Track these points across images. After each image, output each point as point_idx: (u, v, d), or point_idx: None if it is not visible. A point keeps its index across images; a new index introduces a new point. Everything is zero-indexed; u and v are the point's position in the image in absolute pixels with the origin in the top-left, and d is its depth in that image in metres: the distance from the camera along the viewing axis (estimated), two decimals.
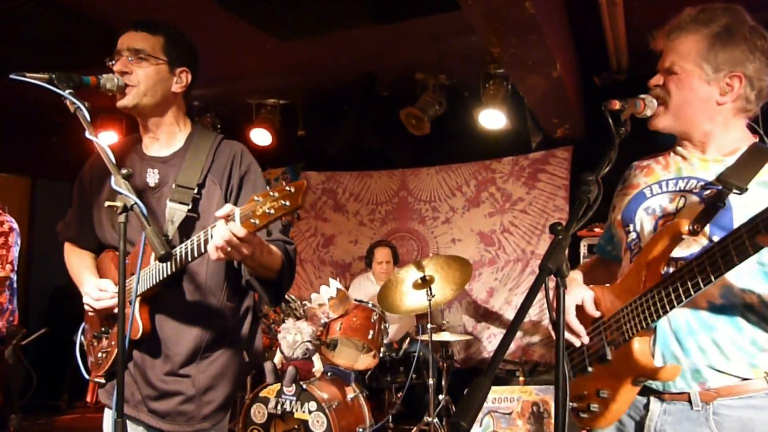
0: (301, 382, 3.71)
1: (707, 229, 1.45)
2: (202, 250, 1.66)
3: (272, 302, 1.96)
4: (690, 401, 1.48)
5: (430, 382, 4.07)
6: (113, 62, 1.84)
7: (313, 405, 3.65)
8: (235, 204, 1.81)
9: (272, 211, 1.46)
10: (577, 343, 1.63)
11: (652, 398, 1.55)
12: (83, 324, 2.07)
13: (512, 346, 5.28)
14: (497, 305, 5.53)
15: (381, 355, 4.09)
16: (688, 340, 1.48)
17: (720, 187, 1.45)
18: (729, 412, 1.45)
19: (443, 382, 4.42)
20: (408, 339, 4.69)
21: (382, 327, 4.10)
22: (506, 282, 5.51)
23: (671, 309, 1.43)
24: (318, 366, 4.01)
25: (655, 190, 1.63)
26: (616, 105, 1.47)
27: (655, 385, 1.53)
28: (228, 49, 4.56)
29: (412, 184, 6.10)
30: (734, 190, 1.42)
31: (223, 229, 1.53)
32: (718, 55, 1.51)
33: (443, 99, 5.04)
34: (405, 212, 6.09)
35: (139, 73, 1.83)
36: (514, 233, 5.55)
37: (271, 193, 1.47)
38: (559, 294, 1.20)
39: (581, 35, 4.37)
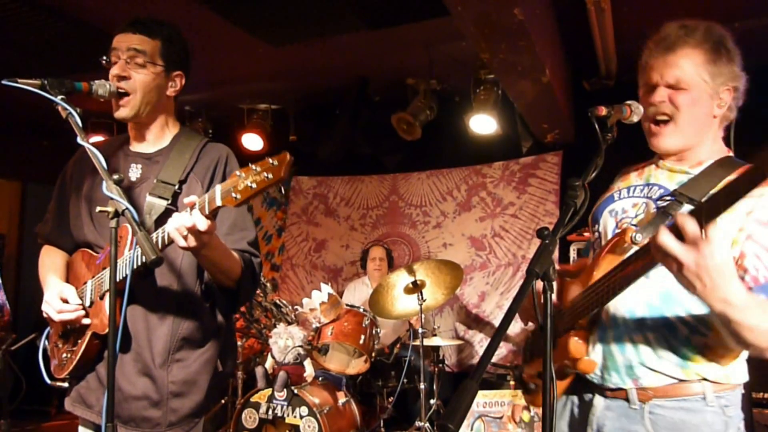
0: (293, 387, 3.71)
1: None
2: (168, 241, 1.63)
3: (227, 310, 1.93)
4: (628, 399, 1.54)
5: (422, 386, 4.08)
6: (107, 61, 1.83)
7: (304, 410, 3.65)
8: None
9: (254, 185, 1.44)
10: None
11: (596, 394, 1.60)
12: (48, 328, 2.00)
13: (503, 351, 5.29)
14: (488, 309, 5.55)
15: (372, 359, 4.09)
16: (623, 336, 1.54)
17: (674, 198, 1.50)
18: (663, 413, 1.50)
19: (435, 387, 4.42)
20: (399, 344, 4.69)
21: (374, 332, 4.10)
22: (497, 286, 5.53)
23: (603, 305, 1.47)
24: (309, 371, 4.01)
25: (623, 194, 1.69)
26: (603, 111, 1.49)
27: (596, 380, 1.58)
28: (220, 54, 4.57)
29: (403, 189, 6.11)
30: (686, 203, 1.47)
31: (182, 216, 1.53)
32: (719, 68, 1.54)
33: (434, 104, 5.07)
34: (396, 217, 6.10)
35: (137, 78, 1.82)
36: (504, 238, 5.58)
37: (253, 168, 1.45)
38: (545, 298, 1.21)
39: (570, 41, 4.41)
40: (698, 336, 1.48)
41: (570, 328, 1.56)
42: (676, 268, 1.23)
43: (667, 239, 1.21)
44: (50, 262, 2.01)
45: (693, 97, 1.54)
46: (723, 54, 1.55)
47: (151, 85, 1.85)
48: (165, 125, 1.97)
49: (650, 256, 1.31)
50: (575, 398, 1.66)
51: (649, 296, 1.52)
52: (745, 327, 1.27)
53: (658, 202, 1.57)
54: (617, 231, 1.59)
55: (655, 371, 1.51)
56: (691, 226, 1.18)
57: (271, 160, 1.43)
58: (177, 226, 1.55)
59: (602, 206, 1.72)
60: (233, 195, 1.46)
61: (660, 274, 1.45)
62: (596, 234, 1.71)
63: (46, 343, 2.00)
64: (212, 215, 1.56)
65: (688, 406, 1.49)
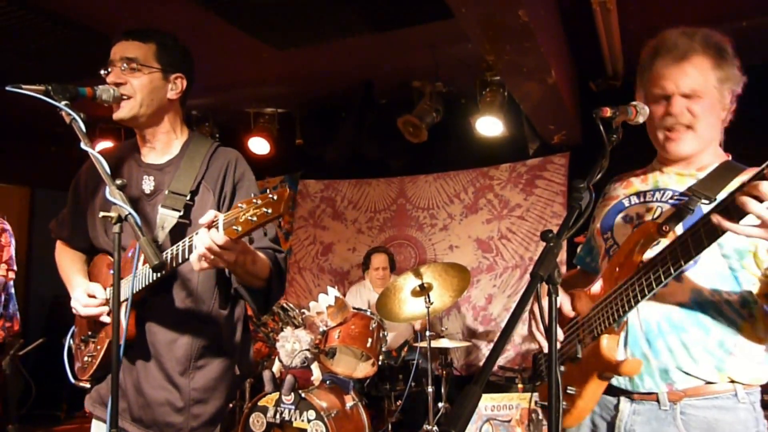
0: (300, 391, 3.71)
1: (677, 230, 1.48)
2: (186, 257, 1.65)
3: (260, 311, 1.95)
4: (658, 401, 1.52)
5: (429, 390, 4.06)
6: (107, 72, 1.85)
7: (312, 414, 3.64)
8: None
9: (254, 218, 1.47)
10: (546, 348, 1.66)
11: (622, 398, 1.58)
12: (73, 327, 2.06)
13: (511, 353, 5.28)
14: (496, 312, 5.53)
15: (380, 363, 4.08)
16: (657, 340, 1.52)
17: (689, 197, 1.52)
18: (695, 412, 1.49)
19: (442, 390, 4.41)
20: (407, 347, 4.68)
21: (381, 335, 4.09)
22: (504, 288, 5.52)
23: (636, 303, 1.46)
24: (317, 374, 4.01)
25: (633, 200, 1.69)
26: (608, 112, 1.48)
27: (624, 385, 1.56)
28: (226, 58, 4.58)
29: (410, 192, 6.11)
30: (702, 199, 1.49)
31: (204, 237, 1.53)
32: (725, 73, 1.55)
33: (440, 106, 5.06)
34: (403, 219, 6.10)
35: (134, 83, 1.83)
36: (512, 240, 5.56)
37: (254, 201, 1.48)
38: (551, 300, 1.21)
39: (576, 42, 4.40)
40: (730, 336, 1.49)
41: (596, 336, 1.54)
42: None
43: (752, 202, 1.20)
44: (71, 263, 2.06)
45: (708, 104, 1.55)
46: (727, 58, 1.57)
47: (148, 87, 1.85)
48: (172, 131, 1.97)
49: (686, 255, 1.32)
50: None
51: (681, 297, 1.51)
52: None
53: (670, 201, 1.59)
54: (640, 226, 1.57)
55: (690, 375, 1.49)
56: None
57: (270, 195, 1.47)
58: (201, 252, 1.56)
59: (611, 213, 1.71)
60: (234, 227, 1.49)
61: (690, 275, 1.48)
62: (610, 241, 1.69)
63: (71, 342, 2.05)
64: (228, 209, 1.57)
65: (721, 404, 1.48)
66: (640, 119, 1.58)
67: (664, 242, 1.47)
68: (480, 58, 4.21)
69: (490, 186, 5.74)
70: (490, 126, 4.88)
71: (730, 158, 1.63)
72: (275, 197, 1.46)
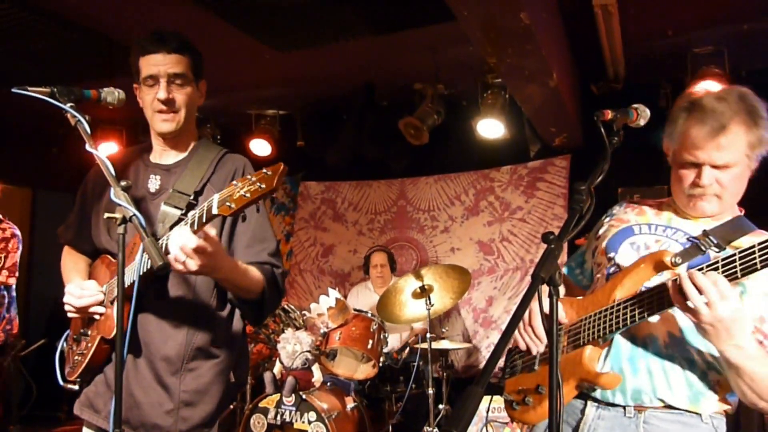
0: (301, 393, 3.71)
1: (684, 267, 1.49)
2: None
3: (252, 324, 1.95)
4: (624, 407, 1.55)
5: (430, 391, 4.06)
6: (146, 84, 1.84)
7: (312, 415, 3.65)
8: (235, 217, 1.80)
9: (248, 194, 1.47)
10: (534, 350, 1.68)
11: (589, 402, 1.61)
12: (67, 330, 2.04)
13: None
14: (496, 314, 5.53)
15: (380, 364, 4.09)
16: (639, 361, 1.54)
17: (703, 240, 1.54)
18: (659, 423, 1.52)
19: (443, 392, 4.41)
20: (407, 348, 4.68)
21: (382, 336, 4.10)
22: (505, 291, 5.52)
23: (632, 324, 1.49)
24: (317, 376, 4.02)
25: (643, 229, 1.70)
26: (609, 115, 1.49)
27: (591, 392, 1.59)
28: (227, 60, 4.59)
29: (410, 194, 6.11)
30: (713, 246, 1.51)
31: (177, 237, 1.55)
32: (757, 137, 1.54)
33: (441, 109, 5.07)
34: (404, 221, 6.10)
35: (179, 98, 1.86)
36: (513, 242, 5.56)
37: (249, 177, 1.48)
38: (552, 302, 1.21)
39: (578, 45, 4.40)
40: (714, 372, 1.51)
41: (581, 344, 1.56)
42: (695, 316, 1.34)
43: (690, 289, 1.34)
44: (72, 264, 2.07)
45: (737, 174, 1.55)
46: (759, 122, 1.54)
47: (190, 100, 1.89)
48: (190, 134, 2.00)
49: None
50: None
51: (673, 327, 1.53)
52: (751, 374, 1.38)
53: (680, 240, 1.60)
54: (652, 252, 1.58)
55: (661, 401, 1.52)
56: (716, 279, 1.32)
57: (265, 171, 1.47)
58: (174, 254, 1.57)
59: (619, 236, 1.71)
60: (228, 204, 1.49)
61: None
62: (613, 263, 1.69)
63: (65, 345, 2.04)
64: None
65: (684, 420, 1.51)
66: (641, 122, 1.59)
67: (666, 274, 1.50)
68: (481, 60, 4.22)
69: (491, 188, 5.74)
70: (491, 128, 4.88)
71: (743, 213, 1.66)
72: (269, 172, 1.46)
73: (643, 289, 1.52)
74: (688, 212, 1.65)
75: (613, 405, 1.56)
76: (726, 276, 1.34)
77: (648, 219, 1.72)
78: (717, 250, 1.50)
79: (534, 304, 1.63)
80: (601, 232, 1.81)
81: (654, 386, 1.51)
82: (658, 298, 1.44)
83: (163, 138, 1.95)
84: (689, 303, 1.34)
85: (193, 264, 1.56)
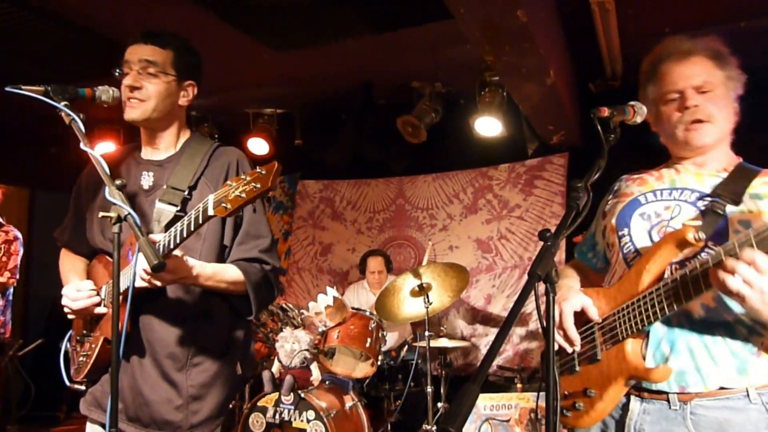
0: (299, 391, 3.71)
1: (708, 242, 1.48)
2: (178, 241, 1.64)
3: (245, 314, 1.95)
4: (668, 401, 1.50)
5: (429, 390, 4.07)
6: (119, 73, 1.85)
7: (311, 414, 3.64)
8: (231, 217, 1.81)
9: (243, 194, 1.46)
10: (570, 350, 1.64)
11: (632, 397, 1.56)
12: (70, 331, 2.05)
13: (510, 353, 5.28)
14: (495, 312, 5.54)
15: (379, 363, 4.08)
16: (678, 341, 1.50)
17: (717, 199, 1.52)
18: (705, 413, 1.47)
19: (442, 390, 4.41)
20: (406, 347, 4.69)
21: (380, 335, 4.10)
22: (504, 289, 5.52)
23: (670, 312, 1.44)
24: (316, 374, 4.01)
25: (649, 198, 1.67)
26: (605, 112, 1.48)
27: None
28: (225, 59, 4.59)
29: (409, 192, 6.11)
30: (729, 203, 1.49)
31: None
32: (728, 73, 1.58)
33: (439, 107, 5.07)
34: (402, 220, 6.10)
35: (150, 88, 1.84)
36: (511, 240, 5.56)
37: (243, 177, 1.48)
38: (548, 300, 1.21)
39: (575, 43, 4.40)
40: (756, 336, 1.47)
41: (620, 340, 1.53)
42: (742, 301, 1.31)
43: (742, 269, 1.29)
44: (70, 266, 2.07)
45: (720, 95, 1.58)
46: (727, 60, 1.60)
47: (163, 94, 1.87)
48: (176, 133, 1.99)
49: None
50: None
51: (706, 297, 1.47)
52: None
53: (698, 203, 1.57)
54: (670, 230, 1.55)
55: (708, 377, 1.47)
56: (752, 258, 1.28)
57: (260, 170, 1.46)
58: (139, 274, 1.66)
59: (627, 210, 1.68)
60: (224, 205, 1.49)
61: None
62: (626, 239, 1.66)
63: (68, 345, 2.04)
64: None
65: (732, 405, 1.46)
66: (638, 119, 1.58)
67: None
68: (479, 58, 4.22)
69: (489, 186, 5.74)
70: (489, 126, 4.88)
71: (741, 160, 1.64)
72: (264, 171, 1.46)
73: (672, 270, 1.49)
74: (686, 152, 1.63)
75: (657, 393, 1.52)
76: (762, 247, 1.29)
77: (651, 186, 1.70)
78: (734, 204, 1.49)
79: (566, 305, 1.62)
80: (607, 209, 1.77)
81: (697, 365, 1.47)
82: (694, 283, 1.39)
83: (143, 132, 1.97)
84: (731, 288, 1.30)
85: (159, 282, 1.66)
